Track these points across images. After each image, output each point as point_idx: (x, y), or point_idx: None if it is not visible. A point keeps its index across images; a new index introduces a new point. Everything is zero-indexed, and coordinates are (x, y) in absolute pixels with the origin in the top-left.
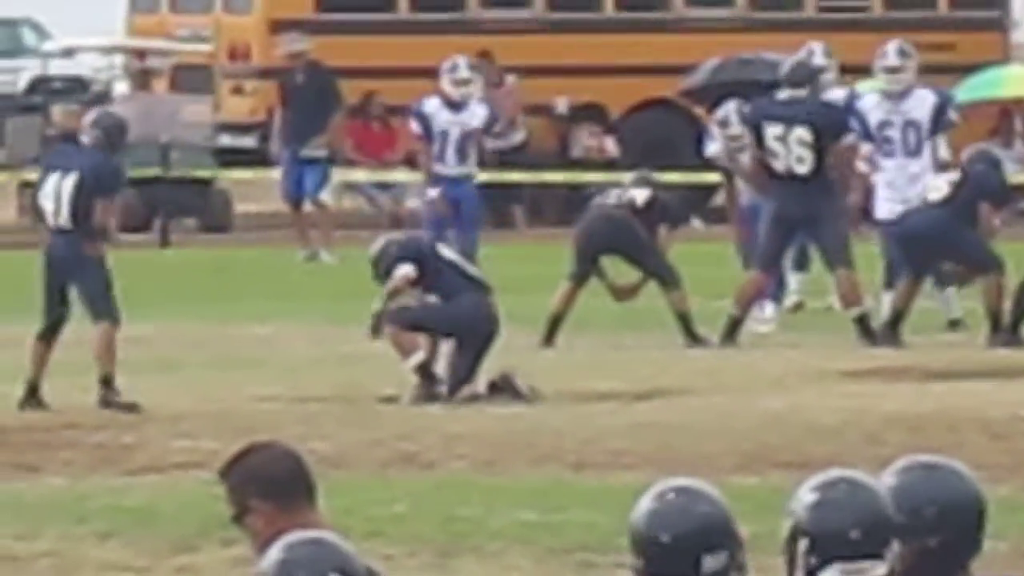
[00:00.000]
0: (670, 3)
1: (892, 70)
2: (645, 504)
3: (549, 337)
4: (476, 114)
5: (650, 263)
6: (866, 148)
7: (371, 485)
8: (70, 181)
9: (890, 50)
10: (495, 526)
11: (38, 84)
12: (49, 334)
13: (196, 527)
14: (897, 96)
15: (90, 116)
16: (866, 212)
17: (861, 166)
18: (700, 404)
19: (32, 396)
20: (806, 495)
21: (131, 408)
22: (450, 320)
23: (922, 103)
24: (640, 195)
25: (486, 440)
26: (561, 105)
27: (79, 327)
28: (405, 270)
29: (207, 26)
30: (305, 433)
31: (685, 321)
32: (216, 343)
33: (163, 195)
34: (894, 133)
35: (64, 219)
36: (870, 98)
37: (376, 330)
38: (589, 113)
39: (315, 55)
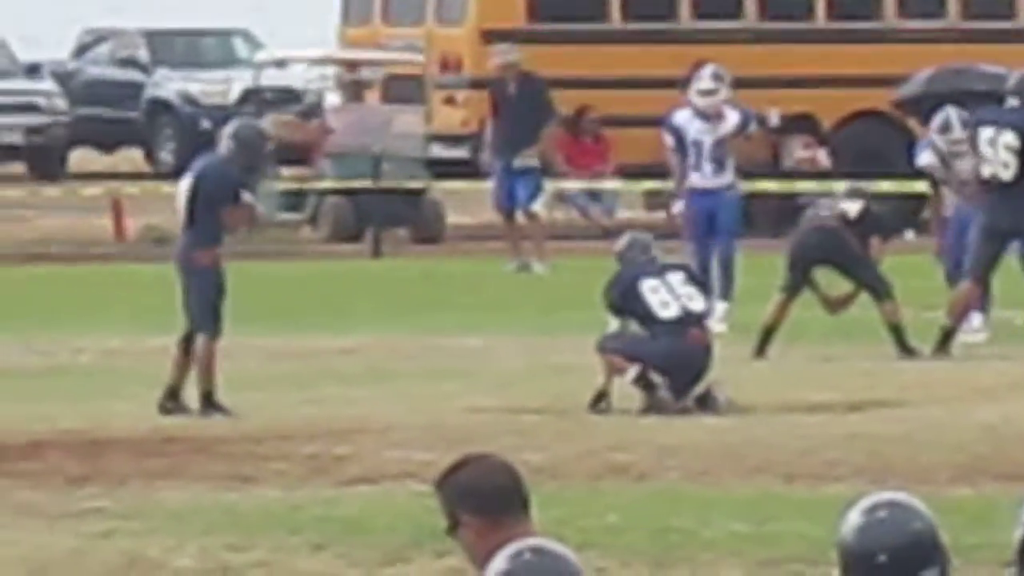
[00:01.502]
0: (882, 13)
1: None
2: (855, 519)
3: (761, 348)
4: (728, 119)
5: (862, 275)
6: None
7: (584, 496)
8: (185, 184)
9: None
10: (708, 537)
11: (250, 95)
12: (186, 342)
13: (408, 538)
14: None
15: (231, 126)
16: None
17: None
18: (913, 415)
19: (171, 398)
20: None
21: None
22: (653, 358)
23: None
24: (852, 207)
25: (698, 451)
26: (773, 116)
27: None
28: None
29: (419, 37)
30: (518, 444)
31: (897, 332)
32: (427, 354)
33: (375, 205)
34: None
35: (182, 223)
36: None
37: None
38: (801, 124)
39: (526, 65)
